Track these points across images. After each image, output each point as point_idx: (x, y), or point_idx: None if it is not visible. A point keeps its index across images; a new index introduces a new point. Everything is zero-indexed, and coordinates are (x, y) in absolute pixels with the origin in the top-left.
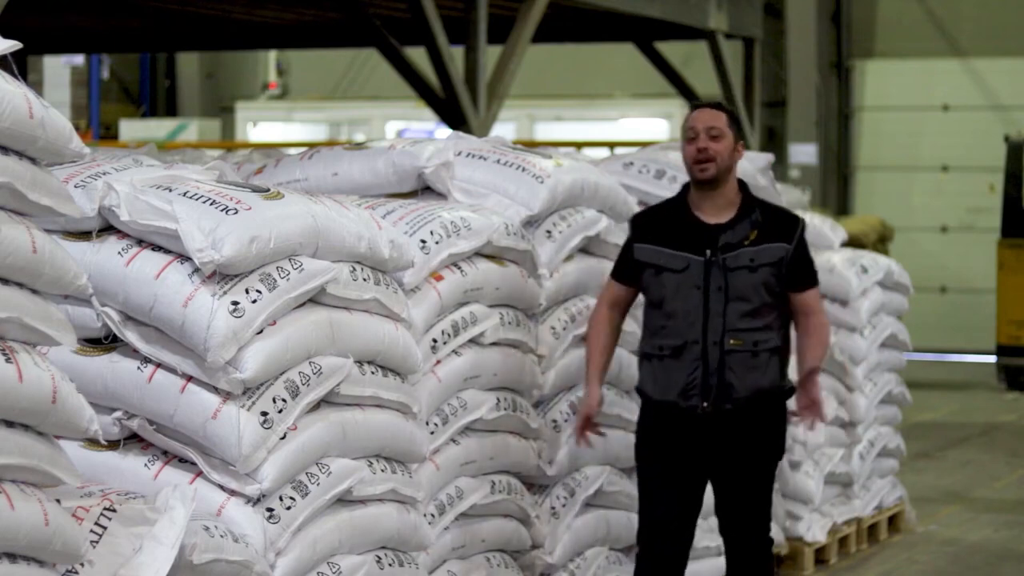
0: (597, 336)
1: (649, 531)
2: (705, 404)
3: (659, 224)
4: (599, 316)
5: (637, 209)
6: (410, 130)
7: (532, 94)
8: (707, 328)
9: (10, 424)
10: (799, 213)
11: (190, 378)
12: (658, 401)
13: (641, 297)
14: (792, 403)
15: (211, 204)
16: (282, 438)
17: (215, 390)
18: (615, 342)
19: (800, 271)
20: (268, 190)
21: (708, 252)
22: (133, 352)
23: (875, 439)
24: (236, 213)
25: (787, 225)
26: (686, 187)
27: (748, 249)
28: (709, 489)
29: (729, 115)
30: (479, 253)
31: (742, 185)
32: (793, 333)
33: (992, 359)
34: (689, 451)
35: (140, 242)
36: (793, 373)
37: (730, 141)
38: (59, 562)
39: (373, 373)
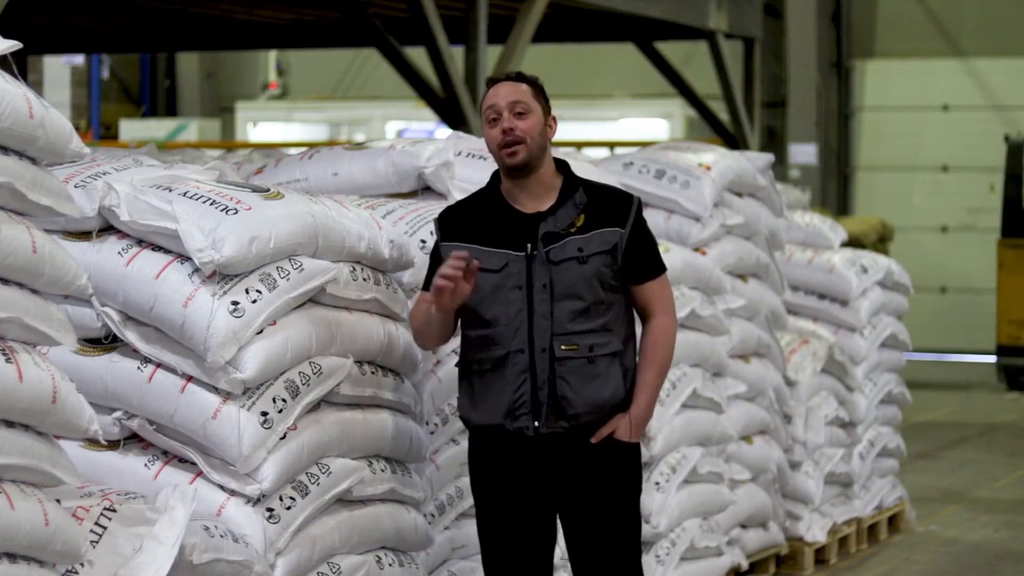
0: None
1: None
2: (536, 424)
3: (470, 219)
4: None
5: None
6: (410, 130)
7: None
8: (533, 333)
9: (10, 424)
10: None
11: (190, 378)
12: (480, 426)
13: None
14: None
15: (211, 204)
16: (282, 438)
17: (215, 390)
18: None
19: (638, 258)
20: (268, 190)
21: (529, 246)
22: (133, 352)
23: (875, 439)
24: (236, 213)
25: (619, 205)
26: (496, 176)
27: (575, 238)
28: None
29: (533, 85)
30: None
31: (561, 165)
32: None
33: (992, 359)
34: (526, 483)
35: (140, 242)
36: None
37: (539, 116)
38: (59, 562)
39: (373, 373)
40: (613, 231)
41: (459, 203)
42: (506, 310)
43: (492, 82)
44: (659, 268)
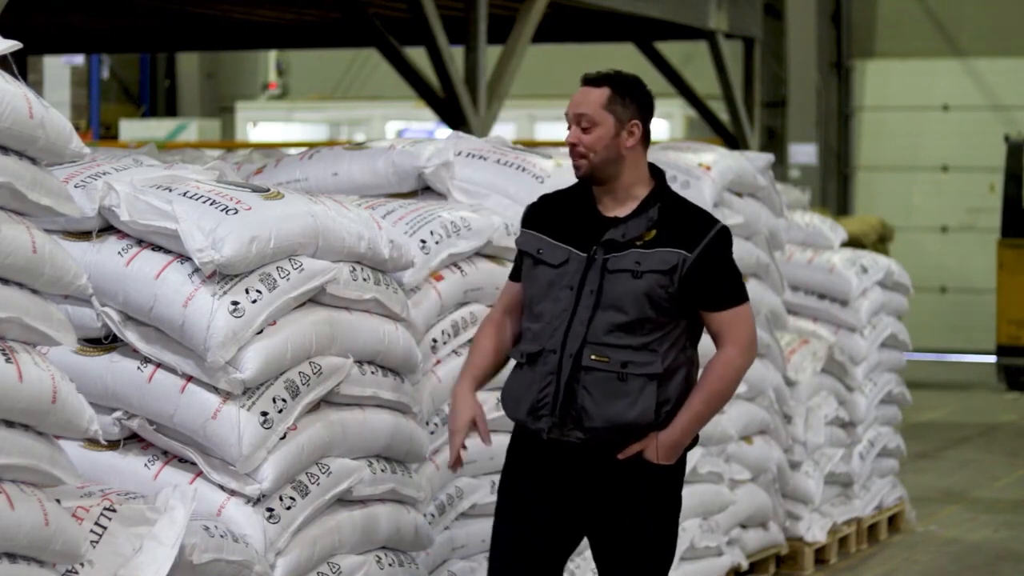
0: (480, 338)
1: None
2: (552, 428)
3: (554, 211)
4: (490, 318)
5: None
6: (410, 130)
7: (532, 94)
8: (568, 336)
9: (10, 424)
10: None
11: (190, 378)
12: (514, 420)
13: None
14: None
15: (211, 204)
16: (282, 438)
17: (215, 390)
18: (504, 347)
19: (707, 285)
20: (268, 190)
21: (593, 249)
22: (133, 352)
23: (875, 439)
24: (236, 213)
25: (694, 229)
26: None
27: (636, 251)
28: None
29: (616, 88)
30: (479, 253)
31: (656, 173)
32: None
33: (992, 359)
34: (539, 485)
35: (140, 242)
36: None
37: (608, 127)
38: (59, 562)
39: (373, 373)
40: (676, 252)
41: (553, 193)
42: (553, 307)
43: (582, 81)
44: (734, 299)
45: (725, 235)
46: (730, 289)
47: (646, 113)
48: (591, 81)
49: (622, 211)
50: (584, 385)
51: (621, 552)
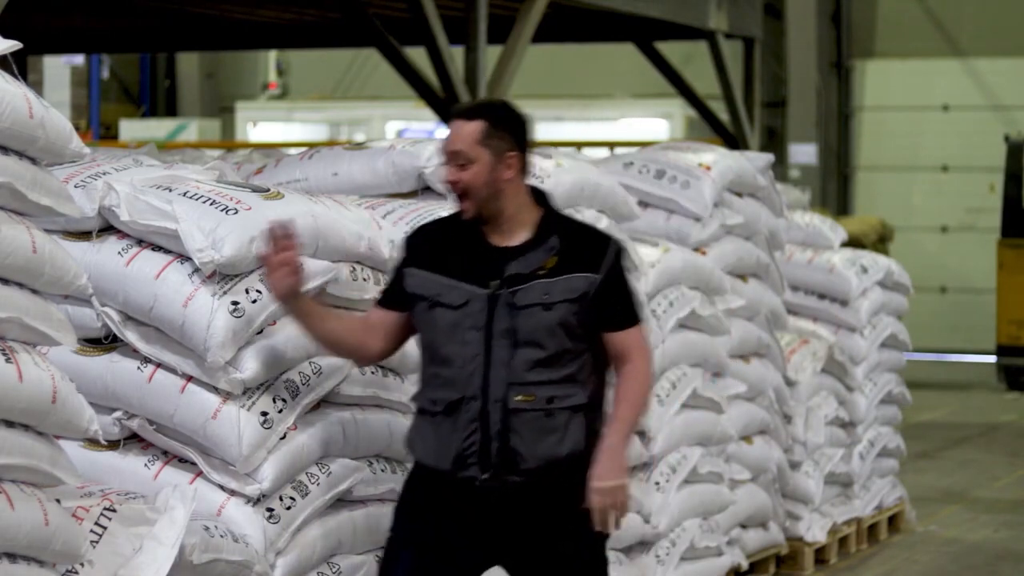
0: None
1: None
2: (485, 476)
3: (438, 244)
4: (358, 316)
5: (636, 209)
6: (410, 130)
7: (532, 94)
8: (488, 381)
9: (10, 424)
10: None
11: (190, 378)
12: (430, 467)
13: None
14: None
15: (211, 204)
16: (282, 438)
17: (215, 390)
18: (352, 337)
19: (613, 305)
20: (268, 190)
21: (493, 285)
22: (133, 352)
23: (875, 439)
24: (236, 213)
25: (594, 249)
26: None
27: (542, 281)
28: None
29: (488, 123)
30: None
31: (540, 197)
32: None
33: (992, 359)
34: (468, 530)
35: (140, 242)
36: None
37: (485, 163)
38: (59, 562)
39: (373, 373)
40: (583, 277)
41: (432, 224)
42: (462, 351)
43: (454, 114)
44: (635, 316)
45: (625, 253)
46: (634, 307)
47: (522, 141)
48: (463, 114)
49: (514, 239)
50: (514, 428)
51: None
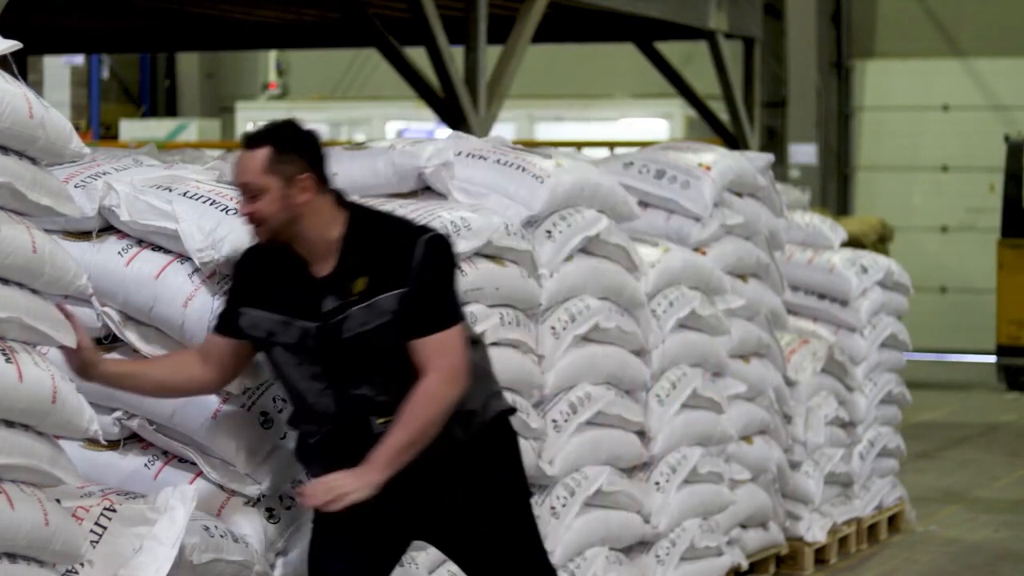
0: (164, 357)
1: None
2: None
3: (267, 277)
4: (189, 350)
5: (637, 209)
6: (410, 130)
7: (532, 94)
8: (345, 412)
9: (10, 424)
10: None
11: None
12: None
13: None
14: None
15: (211, 204)
16: (282, 438)
17: None
18: (169, 375)
19: (415, 312)
20: None
21: (320, 317)
22: (133, 352)
23: (875, 439)
24: (236, 213)
25: (401, 255)
26: None
27: (357, 308)
28: None
29: (274, 149)
30: (479, 253)
31: (346, 206)
32: (479, 359)
33: (992, 359)
34: (382, 519)
35: (140, 242)
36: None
37: (276, 191)
38: (59, 562)
39: None
40: (393, 296)
41: (259, 253)
42: (311, 387)
43: (242, 142)
44: (441, 322)
45: (435, 246)
46: (439, 312)
47: (315, 159)
48: (248, 143)
49: (327, 266)
50: None
51: (487, 558)
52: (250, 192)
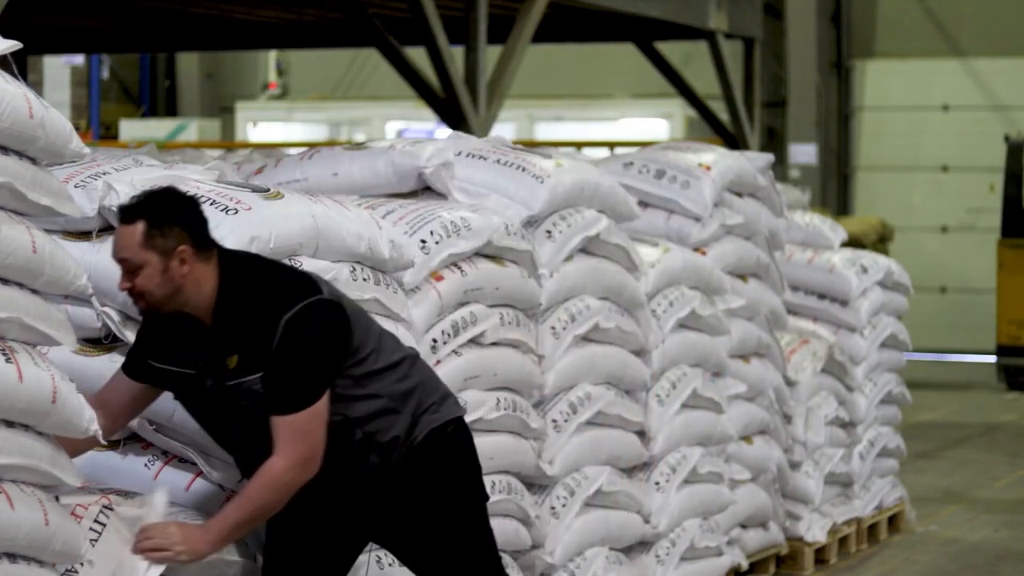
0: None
1: None
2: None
3: (170, 335)
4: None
5: (636, 209)
6: (410, 130)
7: (532, 94)
8: (254, 462)
9: (10, 424)
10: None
11: None
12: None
13: None
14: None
15: (211, 204)
16: None
17: None
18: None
19: (272, 391)
20: (268, 190)
21: (214, 377)
22: None
23: (875, 439)
24: (236, 213)
25: (265, 335)
26: None
27: (235, 383)
28: None
29: (149, 223)
30: (479, 253)
31: (226, 274)
32: (396, 385)
33: (992, 359)
34: (344, 522)
35: None
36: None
37: (155, 266)
38: (59, 562)
39: None
40: (257, 379)
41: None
42: (221, 437)
43: (118, 216)
44: (294, 404)
45: (297, 325)
46: (293, 394)
47: (193, 227)
48: (124, 216)
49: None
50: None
51: (436, 568)
52: (129, 267)
